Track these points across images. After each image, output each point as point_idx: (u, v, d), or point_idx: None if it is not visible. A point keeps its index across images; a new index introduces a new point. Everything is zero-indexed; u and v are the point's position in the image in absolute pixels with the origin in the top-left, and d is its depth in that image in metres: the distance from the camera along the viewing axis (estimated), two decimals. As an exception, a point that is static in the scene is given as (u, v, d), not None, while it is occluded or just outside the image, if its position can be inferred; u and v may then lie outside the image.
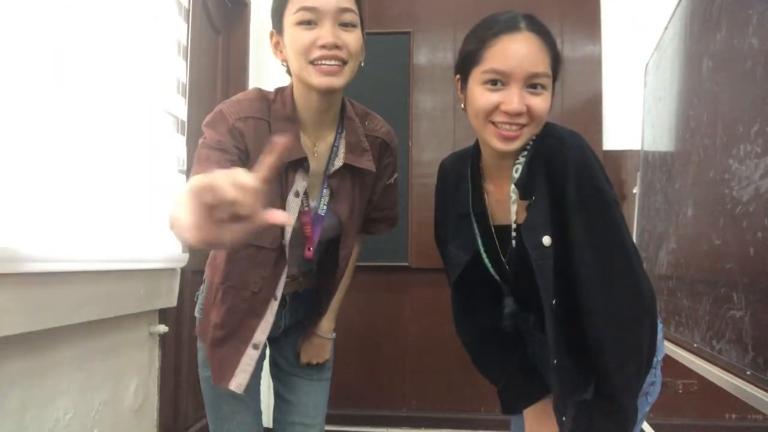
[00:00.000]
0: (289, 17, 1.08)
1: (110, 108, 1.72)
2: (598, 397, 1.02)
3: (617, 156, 2.87)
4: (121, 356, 1.81)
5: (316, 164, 1.17)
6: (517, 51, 0.99)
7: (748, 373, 1.13)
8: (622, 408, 1.00)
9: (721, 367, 1.28)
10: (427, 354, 2.97)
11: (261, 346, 1.19)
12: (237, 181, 0.62)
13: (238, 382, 1.18)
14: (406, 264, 3.00)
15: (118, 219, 1.77)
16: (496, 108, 0.99)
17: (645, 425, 2.45)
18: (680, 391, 2.75)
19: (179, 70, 2.18)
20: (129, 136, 1.81)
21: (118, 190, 1.78)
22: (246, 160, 1.09)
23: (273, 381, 1.44)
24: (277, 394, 1.42)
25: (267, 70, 3.02)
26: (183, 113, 2.18)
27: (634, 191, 2.57)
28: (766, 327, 1.06)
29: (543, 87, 0.99)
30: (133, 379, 1.88)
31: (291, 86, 1.17)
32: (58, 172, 1.51)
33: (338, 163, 1.18)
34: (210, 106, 2.61)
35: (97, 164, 1.68)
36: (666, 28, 2.02)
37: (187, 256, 2.07)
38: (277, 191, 1.12)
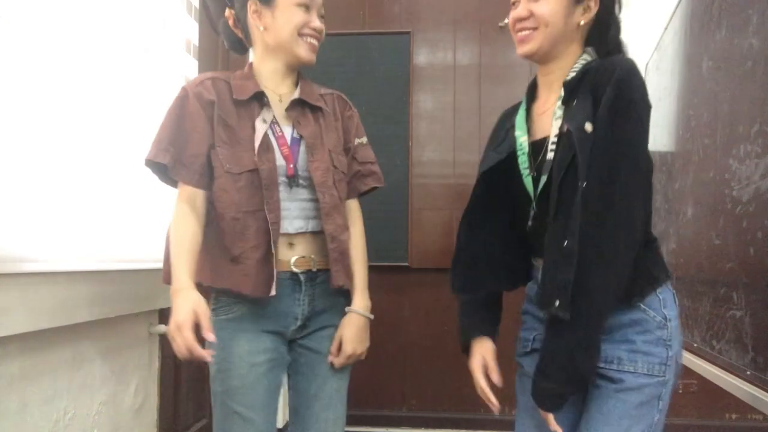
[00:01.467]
0: None
1: (111, 108, 1.72)
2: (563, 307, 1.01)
3: (617, 156, 2.87)
4: (121, 356, 1.81)
5: (281, 108, 1.38)
6: None
7: (748, 373, 1.13)
8: (580, 317, 1.00)
9: (721, 367, 1.28)
10: (426, 354, 2.97)
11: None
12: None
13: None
14: (406, 264, 3.00)
15: (118, 219, 1.77)
16: (513, 20, 1.16)
17: (645, 425, 2.45)
18: (680, 391, 2.75)
19: (188, 69, 2.18)
20: (130, 136, 1.81)
21: (119, 190, 1.78)
22: (212, 112, 1.31)
23: (290, 399, 1.42)
24: (295, 411, 1.40)
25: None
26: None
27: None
28: (766, 327, 1.06)
29: None
30: (133, 379, 1.88)
31: (248, 63, 1.44)
32: (58, 172, 1.51)
33: (295, 97, 1.38)
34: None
35: (98, 164, 1.68)
36: (666, 28, 2.02)
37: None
38: (248, 118, 1.32)
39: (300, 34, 1.33)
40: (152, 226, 1.96)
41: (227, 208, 1.27)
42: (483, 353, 1.23)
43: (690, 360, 1.49)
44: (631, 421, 1.05)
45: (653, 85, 2.28)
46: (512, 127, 1.20)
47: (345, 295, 1.40)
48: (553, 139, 1.10)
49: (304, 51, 1.35)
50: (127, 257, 1.77)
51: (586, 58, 1.15)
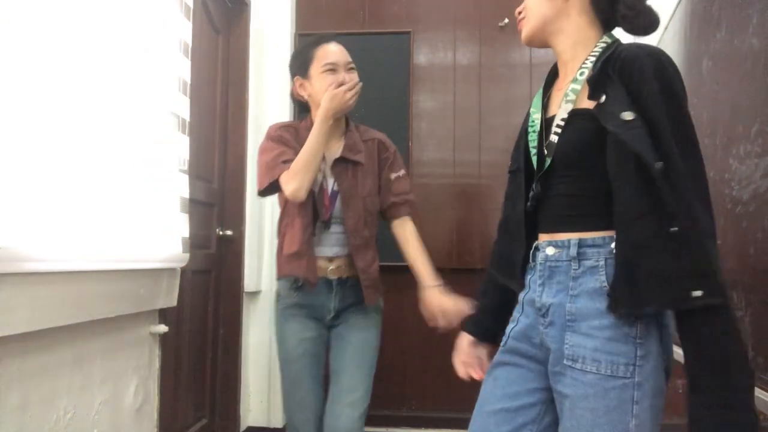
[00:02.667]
0: (317, 68, 1.75)
1: (111, 107, 1.72)
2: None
3: (617, 156, 2.87)
4: (121, 356, 1.81)
5: (329, 160, 1.79)
6: None
7: (748, 373, 1.13)
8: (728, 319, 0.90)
9: (721, 367, 1.28)
10: (427, 354, 2.97)
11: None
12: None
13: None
14: (406, 264, 3.00)
15: (118, 218, 1.77)
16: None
17: (645, 425, 2.45)
18: (680, 391, 2.75)
19: (182, 70, 2.18)
20: (130, 135, 1.81)
21: (119, 190, 1.78)
22: (293, 147, 1.75)
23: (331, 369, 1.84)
24: (333, 371, 1.82)
25: (266, 70, 3.03)
26: (186, 113, 2.18)
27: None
28: (766, 327, 1.06)
29: None
30: (133, 379, 1.89)
31: (311, 116, 1.82)
32: (59, 171, 1.51)
33: (337, 155, 1.79)
34: (209, 105, 2.63)
35: (98, 163, 1.68)
36: (666, 28, 2.02)
37: (187, 256, 2.07)
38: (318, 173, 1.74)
39: None
40: (152, 227, 1.96)
41: (294, 218, 1.79)
42: (478, 355, 1.32)
43: (690, 360, 1.48)
44: (602, 430, 0.98)
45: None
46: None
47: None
48: (559, 121, 1.07)
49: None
50: (127, 257, 1.77)
51: (606, 41, 1.10)
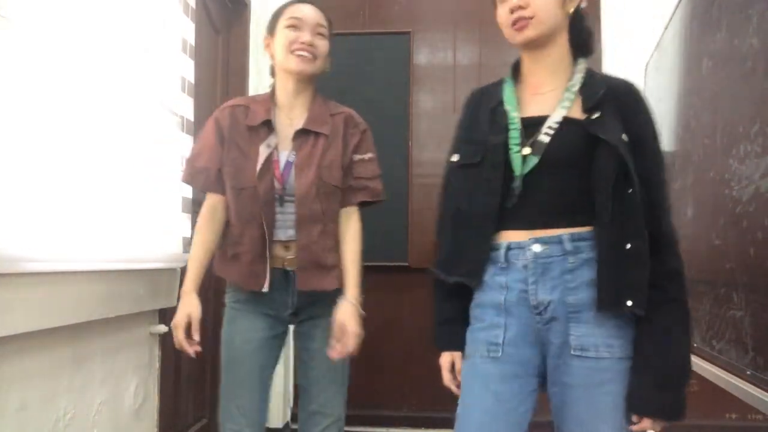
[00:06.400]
0: (282, 23, 1.55)
1: (113, 107, 1.72)
2: (665, 302, 1.07)
3: (617, 156, 2.87)
4: (121, 356, 1.81)
5: (290, 131, 1.57)
6: None
7: (748, 373, 1.13)
8: (689, 313, 1.09)
9: (721, 367, 1.28)
10: (427, 354, 2.95)
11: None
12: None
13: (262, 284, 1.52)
14: (406, 264, 3.00)
15: (119, 218, 1.77)
16: (510, 11, 1.16)
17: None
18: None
19: (185, 69, 2.18)
20: (131, 135, 1.81)
21: (120, 189, 1.78)
22: (221, 141, 1.56)
23: (298, 375, 1.65)
24: (300, 387, 1.63)
25: (266, 70, 3.02)
26: (188, 112, 2.18)
27: (634, 191, 2.57)
28: (766, 327, 1.07)
29: None
30: (133, 379, 1.89)
31: (273, 84, 1.63)
32: (59, 172, 1.51)
33: (299, 126, 1.57)
34: (210, 104, 2.63)
35: (99, 163, 1.68)
36: (666, 28, 2.02)
37: (187, 256, 2.07)
38: (256, 142, 1.53)
39: (290, 51, 1.52)
40: (153, 227, 1.96)
41: (231, 218, 1.56)
42: (453, 359, 1.28)
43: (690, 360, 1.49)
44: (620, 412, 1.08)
45: (653, 85, 2.28)
46: (500, 104, 1.22)
47: (331, 297, 1.55)
48: (552, 123, 1.13)
49: (294, 63, 1.53)
50: (127, 257, 1.77)
51: (584, 67, 1.21)
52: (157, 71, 1.97)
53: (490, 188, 1.15)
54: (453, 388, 1.27)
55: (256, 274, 1.52)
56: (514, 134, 1.15)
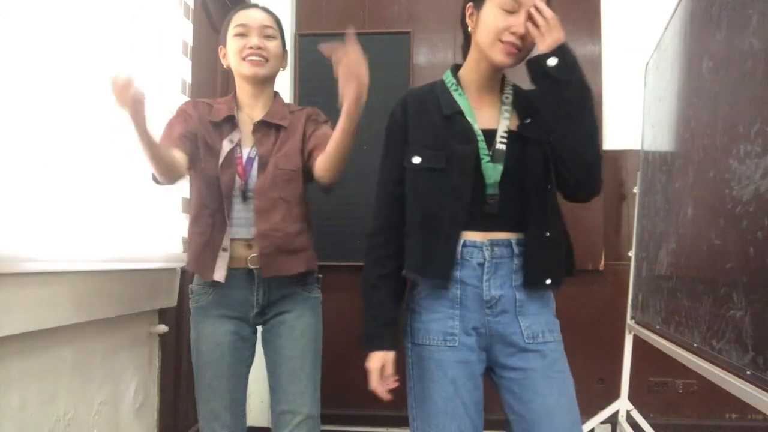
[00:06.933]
0: (230, 31, 1.57)
1: (112, 107, 1.72)
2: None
3: (617, 156, 2.87)
4: (121, 356, 1.81)
5: (252, 128, 1.60)
6: None
7: (748, 373, 1.13)
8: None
9: (721, 367, 1.28)
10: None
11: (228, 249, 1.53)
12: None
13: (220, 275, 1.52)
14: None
15: (118, 219, 1.77)
16: (507, 29, 1.21)
17: (645, 425, 2.45)
18: (680, 391, 2.75)
19: (183, 70, 2.18)
20: (131, 135, 1.81)
21: (120, 190, 1.78)
22: (191, 130, 1.55)
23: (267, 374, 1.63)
24: (270, 387, 1.63)
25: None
26: (186, 112, 2.18)
27: (634, 191, 2.57)
28: (766, 327, 1.06)
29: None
30: (133, 379, 1.89)
31: (235, 88, 1.65)
32: (58, 172, 1.51)
33: (258, 120, 1.59)
34: (210, 106, 2.61)
35: (99, 163, 1.68)
36: (666, 28, 2.02)
37: (187, 255, 2.07)
38: (218, 138, 1.56)
39: (242, 58, 1.56)
40: (153, 227, 1.96)
41: (195, 198, 1.58)
42: (385, 361, 1.32)
43: (690, 360, 1.49)
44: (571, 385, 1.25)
45: (653, 84, 2.28)
46: (459, 114, 1.28)
47: (301, 285, 1.60)
48: (502, 134, 1.25)
49: (246, 69, 1.56)
50: (127, 257, 1.77)
51: (509, 82, 1.34)
52: (156, 72, 1.97)
53: (459, 194, 1.22)
54: (380, 391, 1.33)
55: (204, 259, 1.52)
56: (482, 145, 1.24)
